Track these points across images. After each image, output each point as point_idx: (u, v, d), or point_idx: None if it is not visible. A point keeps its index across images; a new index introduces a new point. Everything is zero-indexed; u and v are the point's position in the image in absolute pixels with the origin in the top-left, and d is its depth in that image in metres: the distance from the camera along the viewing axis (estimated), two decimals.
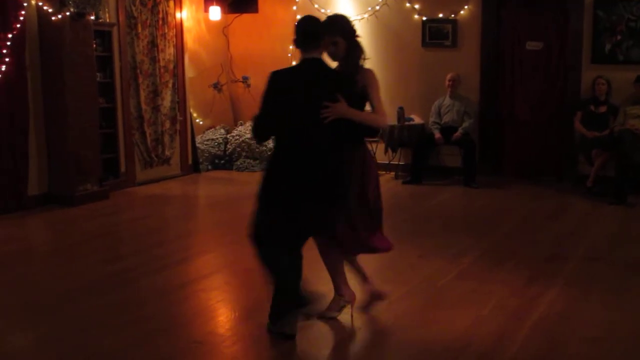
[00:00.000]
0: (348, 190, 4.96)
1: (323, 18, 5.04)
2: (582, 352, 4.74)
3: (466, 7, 10.93)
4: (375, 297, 5.40)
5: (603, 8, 10.05)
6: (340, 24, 5.11)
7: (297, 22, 4.92)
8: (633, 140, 9.20)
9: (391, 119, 10.22)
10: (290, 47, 11.91)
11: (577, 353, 4.72)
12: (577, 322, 5.26)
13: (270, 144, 11.70)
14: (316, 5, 11.63)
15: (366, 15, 11.23)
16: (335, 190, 4.88)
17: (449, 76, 10.74)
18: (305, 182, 4.78)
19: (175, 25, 11.15)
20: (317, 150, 4.78)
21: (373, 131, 5.10)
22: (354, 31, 5.13)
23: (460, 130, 10.51)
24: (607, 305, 5.61)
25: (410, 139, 10.81)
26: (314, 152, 4.77)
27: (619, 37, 10.00)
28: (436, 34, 11.02)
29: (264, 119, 4.86)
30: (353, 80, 4.96)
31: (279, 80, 4.82)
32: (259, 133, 4.96)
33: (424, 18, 11.10)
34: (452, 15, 11.01)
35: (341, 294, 5.30)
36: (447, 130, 10.59)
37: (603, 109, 9.89)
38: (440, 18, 11.05)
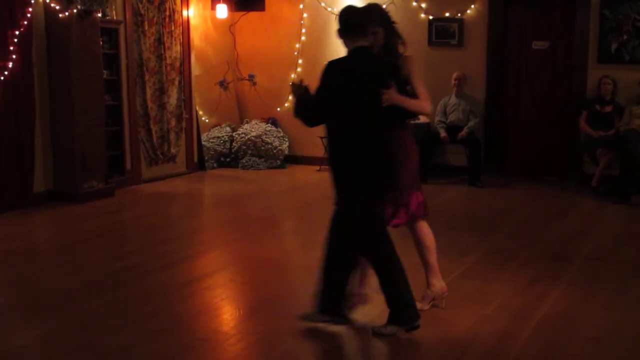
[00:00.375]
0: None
1: (335, 14, 5.10)
2: (584, 351, 4.75)
3: (473, 6, 10.93)
4: (360, 299, 5.42)
5: (609, 8, 10.04)
6: (378, 13, 5.16)
7: (341, 13, 4.96)
8: (638, 140, 9.19)
9: None
10: (297, 45, 11.97)
11: (580, 353, 4.73)
12: (580, 321, 5.26)
13: (277, 142, 11.75)
14: (323, 4, 11.64)
15: None
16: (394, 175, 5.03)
17: (454, 75, 10.74)
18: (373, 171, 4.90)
19: (182, 22, 11.16)
20: (373, 137, 4.87)
21: (413, 114, 5.28)
22: (390, 18, 5.19)
23: (465, 130, 10.51)
24: (610, 306, 5.62)
25: (415, 137, 10.77)
26: (370, 140, 4.87)
27: (625, 37, 10.00)
28: (442, 33, 11.02)
29: (317, 108, 4.97)
30: (398, 67, 5.02)
31: (331, 71, 4.89)
32: (312, 119, 5.12)
33: (431, 17, 11.10)
34: (459, 15, 11.01)
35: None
36: (453, 129, 10.59)
37: (609, 108, 9.89)
38: (447, 17, 11.05)
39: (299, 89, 5.08)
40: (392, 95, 4.83)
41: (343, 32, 4.92)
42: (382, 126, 4.90)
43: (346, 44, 4.94)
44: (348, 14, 4.95)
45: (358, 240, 5.03)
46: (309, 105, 5.00)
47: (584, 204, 9.26)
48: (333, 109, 4.89)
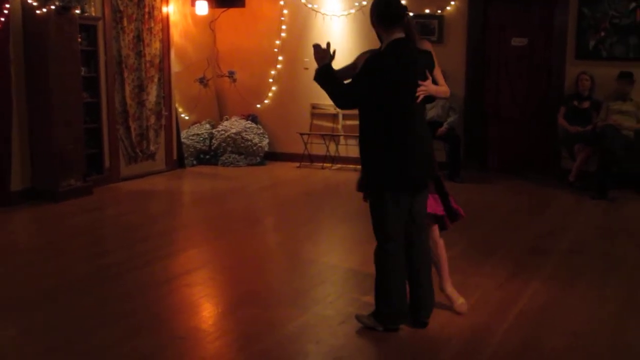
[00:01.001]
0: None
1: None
2: (563, 344, 4.78)
3: (452, 3, 10.96)
4: None
5: (588, 5, 10.11)
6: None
7: (379, 3, 4.90)
8: (615, 136, 9.27)
9: None
10: (277, 41, 11.96)
11: (559, 346, 4.76)
12: (559, 315, 5.31)
13: (257, 139, 11.74)
14: (303, 0, 11.63)
15: (352, 11, 11.23)
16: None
17: (442, 78, 10.73)
18: (420, 162, 4.90)
19: (162, 19, 11.12)
20: (422, 127, 4.95)
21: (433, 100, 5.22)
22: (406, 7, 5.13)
23: (445, 125, 10.54)
24: (589, 299, 5.67)
25: None
26: (421, 130, 4.91)
27: (602, 34, 10.07)
28: (422, 30, 11.01)
29: (360, 95, 4.84)
30: (431, 54, 5.01)
31: (381, 64, 4.81)
32: (350, 103, 5.01)
33: (411, 14, 11.00)
34: (439, 11, 11.04)
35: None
36: (432, 125, 10.57)
37: (586, 104, 9.97)
38: (427, 14, 11.08)
39: (325, 55, 4.92)
40: (430, 87, 4.85)
41: (382, 23, 4.86)
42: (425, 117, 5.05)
43: (382, 35, 4.91)
44: (387, 5, 4.88)
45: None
46: (343, 86, 4.88)
47: (563, 199, 9.33)
48: (389, 101, 4.79)
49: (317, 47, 4.96)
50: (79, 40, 9.39)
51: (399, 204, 4.86)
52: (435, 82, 4.95)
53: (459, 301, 5.34)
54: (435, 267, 5.35)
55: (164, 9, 11.15)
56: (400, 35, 4.84)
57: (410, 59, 4.83)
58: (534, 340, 4.85)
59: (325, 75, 4.89)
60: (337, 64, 4.96)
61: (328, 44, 4.97)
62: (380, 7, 4.88)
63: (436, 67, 5.04)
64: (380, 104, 4.79)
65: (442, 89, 5.03)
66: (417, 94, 4.78)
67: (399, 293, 4.96)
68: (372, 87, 4.76)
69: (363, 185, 5.08)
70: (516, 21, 10.81)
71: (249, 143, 11.79)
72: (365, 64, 4.85)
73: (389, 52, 4.84)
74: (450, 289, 5.38)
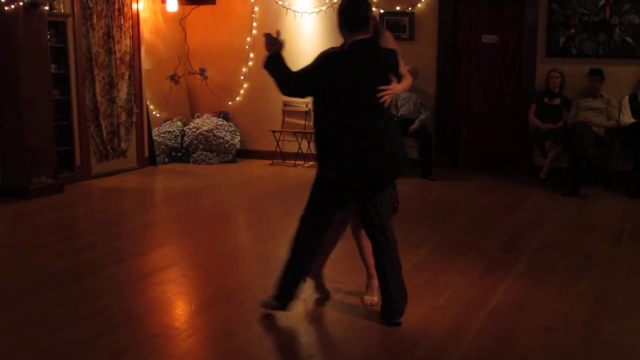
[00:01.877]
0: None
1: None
2: (536, 341, 4.80)
3: (423, 0, 10.98)
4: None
5: (558, 2, 10.18)
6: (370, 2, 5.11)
7: (347, 4, 4.89)
8: (586, 133, 9.32)
9: None
10: (248, 39, 11.93)
11: (532, 342, 4.78)
12: (532, 312, 5.33)
13: (229, 136, 11.71)
14: None
15: (324, 8, 11.22)
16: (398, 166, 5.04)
17: (406, 68, 10.75)
18: (366, 162, 4.87)
19: (132, 16, 11.05)
20: (376, 129, 4.87)
21: None
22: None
23: (416, 123, 10.56)
24: (562, 295, 5.70)
25: None
26: (378, 130, 4.88)
27: (572, 31, 10.14)
28: (393, 27, 11.04)
29: (304, 85, 4.95)
30: (395, 52, 5.04)
31: (334, 62, 4.85)
32: (293, 90, 5.05)
33: (382, 10, 11.13)
34: (410, 8, 11.06)
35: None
36: (404, 122, 10.62)
37: (557, 101, 10.04)
38: (398, 11, 11.10)
39: (275, 43, 4.95)
40: (395, 89, 4.90)
41: (346, 25, 4.88)
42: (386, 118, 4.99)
43: (346, 37, 4.92)
44: (355, 8, 4.87)
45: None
46: (290, 72, 4.91)
47: (535, 196, 9.39)
48: (337, 97, 4.84)
49: (268, 35, 4.97)
50: (48, 37, 9.32)
51: (329, 194, 5.04)
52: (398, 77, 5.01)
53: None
54: (362, 257, 5.42)
55: (134, 6, 11.09)
56: (364, 36, 4.86)
57: (370, 60, 4.86)
58: (507, 337, 4.87)
59: (274, 62, 4.91)
60: (307, 60, 4.96)
61: (277, 32, 4.99)
62: (346, 11, 4.88)
63: (400, 59, 5.08)
64: (328, 98, 4.85)
65: (405, 83, 5.09)
66: (383, 98, 4.78)
67: (287, 276, 5.12)
68: (320, 80, 4.82)
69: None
70: (487, 18, 10.86)
71: (221, 140, 11.77)
72: (320, 57, 4.93)
73: (348, 51, 4.88)
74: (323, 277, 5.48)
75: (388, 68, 4.92)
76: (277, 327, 5.10)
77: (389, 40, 5.18)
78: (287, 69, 4.90)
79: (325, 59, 4.89)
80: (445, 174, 10.60)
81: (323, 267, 5.51)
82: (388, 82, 4.84)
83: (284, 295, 5.12)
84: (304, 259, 5.10)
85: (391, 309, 5.06)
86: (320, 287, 5.54)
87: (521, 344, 4.77)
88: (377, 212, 4.99)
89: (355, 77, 4.80)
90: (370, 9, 4.97)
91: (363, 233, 5.29)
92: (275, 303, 5.14)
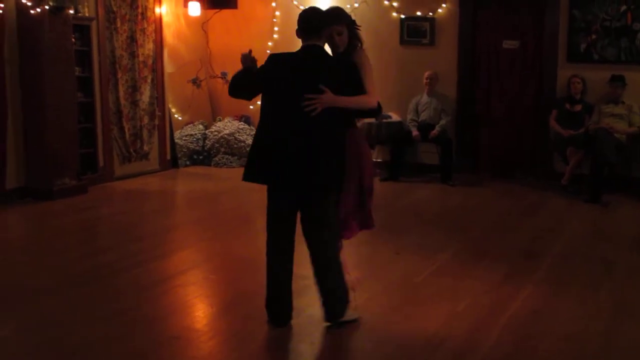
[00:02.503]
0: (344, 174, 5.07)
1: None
2: (555, 348, 4.81)
3: (444, 5, 10.99)
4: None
5: (579, 7, 10.15)
6: (345, 14, 5.26)
7: (301, 13, 5.08)
8: (607, 139, 9.28)
9: None
10: (269, 43, 11.98)
11: (551, 349, 4.79)
12: (551, 318, 5.33)
13: (250, 140, 11.77)
14: (295, 2, 11.65)
15: None
16: (330, 175, 4.98)
17: (426, 74, 10.80)
18: (290, 167, 4.90)
19: (155, 20, 11.14)
20: (304, 133, 4.86)
21: (370, 112, 5.19)
22: (354, 21, 5.29)
23: (437, 128, 10.57)
24: (581, 302, 5.68)
25: (388, 136, 10.83)
26: (301, 136, 4.86)
27: (594, 37, 10.11)
28: (414, 32, 11.08)
29: (246, 84, 5.18)
30: (353, 64, 5.06)
31: (274, 62, 5.06)
32: (232, 88, 5.23)
33: (402, 16, 11.15)
34: (430, 14, 11.07)
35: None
36: (425, 127, 10.65)
37: (578, 107, 10.00)
38: (418, 16, 11.11)
39: (248, 60, 5.19)
40: (324, 99, 4.80)
41: (299, 32, 5.04)
42: (317, 125, 4.87)
43: (302, 41, 5.08)
44: (308, 14, 5.05)
45: None
46: (248, 79, 5.15)
47: (555, 202, 9.36)
48: (264, 95, 5.05)
49: (243, 56, 5.22)
50: (73, 40, 9.40)
51: (272, 199, 5.17)
52: (350, 92, 4.94)
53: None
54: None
55: (157, 10, 11.17)
56: (313, 42, 4.98)
57: (308, 65, 4.95)
58: (526, 343, 4.87)
59: (239, 73, 5.19)
60: None
61: (250, 51, 5.23)
62: (300, 21, 5.06)
63: (365, 71, 5.05)
64: (264, 98, 5.05)
65: (354, 99, 4.97)
66: (309, 106, 4.79)
67: (270, 291, 5.20)
68: (255, 78, 5.09)
69: None
70: (507, 23, 10.84)
71: (242, 144, 11.81)
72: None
73: (294, 54, 5.06)
74: None
75: (327, 77, 4.89)
76: (297, 331, 5.13)
77: (362, 57, 5.16)
78: (240, 77, 5.18)
79: (267, 59, 5.11)
80: (465, 179, 10.60)
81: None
82: (318, 91, 4.81)
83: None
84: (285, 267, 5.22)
85: (326, 310, 5.14)
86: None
87: (540, 350, 4.78)
88: (308, 221, 5.10)
89: (284, 78, 4.94)
90: (324, 19, 5.04)
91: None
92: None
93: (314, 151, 4.85)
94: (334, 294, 5.10)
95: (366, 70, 5.07)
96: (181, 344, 4.89)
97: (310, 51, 4.99)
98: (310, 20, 5.00)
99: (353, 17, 5.42)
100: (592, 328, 5.17)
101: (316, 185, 4.96)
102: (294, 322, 5.18)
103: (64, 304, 5.61)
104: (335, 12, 5.25)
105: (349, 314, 5.15)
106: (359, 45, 5.25)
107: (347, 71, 5.01)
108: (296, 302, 5.26)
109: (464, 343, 4.88)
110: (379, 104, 5.09)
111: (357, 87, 4.98)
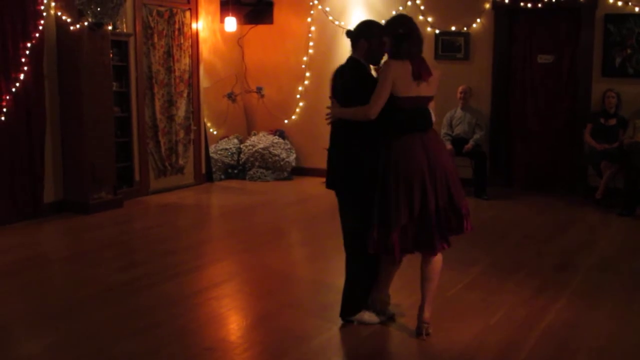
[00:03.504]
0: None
1: (343, 28, 5.36)
2: None
3: (478, 20, 11.01)
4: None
5: (614, 22, 10.12)
6: (374, 26, 5.37)
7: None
8: None
9: None
10: (304, 58, 12.06)
11: None
12: (584, 331, 5.32)
13: (285, 154, 11.84)
14: (330, 17, 11.72)
15: None
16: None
17: (460, 88, 10.81)
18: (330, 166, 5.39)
19: (191, 35, 11.27)
20: (343, 137, 5.25)
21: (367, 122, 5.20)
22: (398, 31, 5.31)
23: (471, 142, 10.57)
24: (614, 316, 5.67)
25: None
26: (337, 139, 5.33)
27: (629, 51, 10.07)
28: (449, 47, 11.11)
29: None
30: (356, 76, 5.22)
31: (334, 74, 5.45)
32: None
33: (437, 31, 11.19)
34: (465, 29, 11.09)
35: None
36: (459, 141, 10.65)
37: (613, 121, 9.95)
38: (453, 31, 11.14)
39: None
40: (332, 111, 5.24)
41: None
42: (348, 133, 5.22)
43: None
44: (349, 30, 5.39)
45: None
46: None
47: (589, 215, 9.32)
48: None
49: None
50: (111, 55, 9.54)
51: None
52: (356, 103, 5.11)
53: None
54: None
55: (194, 26, 11.30)
56: (353, 54, 5.29)
57: (334, 76, 5.38)
58: (560, 356, 4.87)
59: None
60: None
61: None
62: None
63: (379, 84, 5.05)
64: None
65: (350, 110, 5.12)
66: (326, 118, 5.30)
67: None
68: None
69: None
70: (542, 38, 10.84)
71: (277, 158, 11.88)
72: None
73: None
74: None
75: (340, 89, 5.29)
76: (330, 344, 5.17)
77: (381, 70, 5.20)
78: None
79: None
80: (498, 193, 10.57)
81: (387, 288, 5.54)
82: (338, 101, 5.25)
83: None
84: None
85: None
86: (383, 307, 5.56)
87: None
88: (341, 215, 5.45)
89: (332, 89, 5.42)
90: (357, 32, 5.28)
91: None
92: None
93: (338, 157, 5.30)
94: (344, 294, 5.43)
95: (381, 81, 5.06)
96: (216, 356, 4.94)
97: (345, 63, 5.32)
98: (348, 33, 5.32)
99: None
100: (625, 341, 5.16)
101: (334, 187, 5.37)
102: (327, 335, 5.21)
103: (101, 317, 5.69)
104: (366, 25, 5.37)
105: (363, 317, 5.40)
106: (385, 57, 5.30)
107: (349, 83, 5.24)
108: (329, 315, 5.29)
109: (497, 356, 4.89)
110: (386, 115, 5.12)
111: (352, 98, 5.17)
